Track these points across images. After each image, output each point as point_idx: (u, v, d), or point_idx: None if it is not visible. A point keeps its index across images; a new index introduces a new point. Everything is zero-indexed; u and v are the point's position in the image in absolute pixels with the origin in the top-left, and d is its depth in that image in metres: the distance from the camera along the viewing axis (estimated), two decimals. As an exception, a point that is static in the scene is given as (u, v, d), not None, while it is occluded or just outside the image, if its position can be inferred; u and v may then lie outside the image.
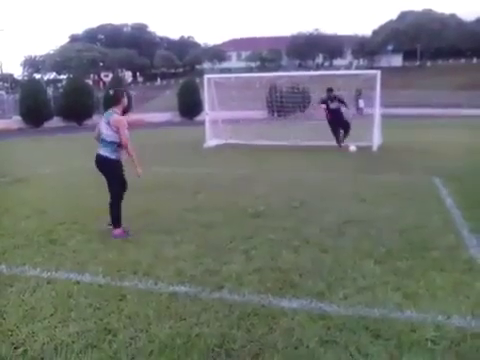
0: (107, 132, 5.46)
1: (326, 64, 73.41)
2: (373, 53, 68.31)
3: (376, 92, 14.29)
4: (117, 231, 5.58)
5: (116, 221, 5.61)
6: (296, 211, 6.68)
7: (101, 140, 5.55)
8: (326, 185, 8.60)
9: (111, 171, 5.61)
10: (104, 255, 4.89)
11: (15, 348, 3.13)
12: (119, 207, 5.66)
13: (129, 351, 3.08)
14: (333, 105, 13.94)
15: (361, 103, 31.37)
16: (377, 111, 14.35)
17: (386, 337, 3.18)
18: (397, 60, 69.63)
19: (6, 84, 67.75)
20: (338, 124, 14.10)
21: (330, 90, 14.42)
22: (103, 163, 5.58)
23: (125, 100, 5.64)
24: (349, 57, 72.03)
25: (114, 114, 5.48)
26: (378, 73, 14.06)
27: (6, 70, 77.76)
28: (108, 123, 5.45)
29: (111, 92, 5.82)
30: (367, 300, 3.75)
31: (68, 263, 4.68)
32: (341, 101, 14.15)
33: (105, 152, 5.53)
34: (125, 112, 5.71)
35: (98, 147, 5.60)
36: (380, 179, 9.04)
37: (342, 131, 14.18)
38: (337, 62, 70.89)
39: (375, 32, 69.69)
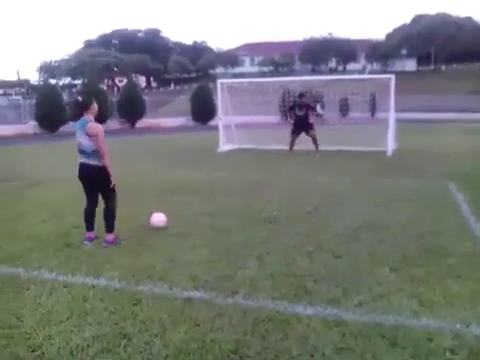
0: (88, 142, 5.24)
1: (339, 68, 73.13)
2: (387, 57, 67.85)
3: (390, 97, 14.19)
4: (110, 237, 5.49)
5: (111, 227, 5.51)
6: (310, 216, 6.65)
7: (83, 151, 5.32)
8: (340, 190, 8.55)
9: (102, 179, 5.36)
10: (119, 259, 4.93)
11: (32, 351, 3.18)
12: (115, 214, 5.59)
13: (144, 356, 3.09)
14: (300, 112, 13.81)
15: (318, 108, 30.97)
16: (392, 116, 14.24)
17: (402, 345, 3.15)
18: (411, 64, 69.12)
19: (23, 90, 68.73)
20: (302, 129, 13.95)
21: (301, 96, 14.43)
22: (92, 172, 5.36)
23: (95, 106, 5.41)
24: (362, 61, 71.63)
25: (90, 122, 5.25)
26: (392, 77, 13.96)
27: (23, 76, 78.71)
28: (86, 133, 5.21)
29: (79, 99, 5.56)
30: (382, 307, 3.72)
31: (84, 267, 4.72)
32: (310, 107, 14.05)
33: (92, 161, 5.30)
34: (98, 119, 5.45)
35: (80, 158, 5.39)
36: (395, 184, 8.96)
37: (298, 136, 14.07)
38: (350, 66, 70.53)
39: (389, 36, 69.27)
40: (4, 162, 14.71)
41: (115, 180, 5.47)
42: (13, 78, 75.16)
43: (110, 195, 5.50)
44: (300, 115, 13.69)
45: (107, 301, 3.91)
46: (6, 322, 3.58)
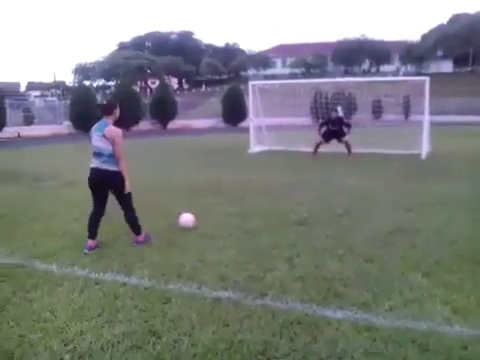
0: (104, 146, 5.14)
1: (373, 70, 72.15)
2: (422, 59, 66.50)
3: (425, 99, 13.90)
4: (139, 238, 5.53)
5: (138, 229, 5.53)
6: (340, 219, 6.58)
7: (98, 154, 5.21)
8: (371, 193, 8.42)
9: (118, 184, 5.27)
10: (150, 258, 4.99)
11: (65, 345, 3.25)
12: (136, 216, 5.55)
13: (172, 354, 3.12)
14: (334, 127, 13.62)
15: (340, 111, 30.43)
16: (426, 118, 13.95)
17: (434, 352, 3.08)
18: (447, 66, 67.55)
19: (58, 91, 70.55)
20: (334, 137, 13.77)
21: (334, 110, 14.32)
22: (107, 178, 5.25)
23: (117, 112, 5.35)
24: (396, 63, 70.47)
25: (109, 126, 5.18)
26: (427, 79, 13.69)
27: (59, 78, 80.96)
28: (103, 136, 5.12)
29: (104, 102, 5.47)
30: (414, 313, 3.65)
31: (115, 265, 4.80)
32: (345, 124, 13.81)
33: (107, 166, 5.19)
34: (117, 124, 5.30)
35: (93, 162, 5.28)
36: (428, 188, 8.76)
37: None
38: (384, 68, 69.54)
39: (424, 37, 67.88)
40: (40, 162, 15.14)
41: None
42: (49, 80, 77.36)
43: (126, 201, 5.43)
44: (334, 130, 13.58)
45: (137, 299, 3.96)
46: (41, 316, 3.68)
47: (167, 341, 3.27)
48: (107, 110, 5.27)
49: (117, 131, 5.18)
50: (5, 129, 27.33)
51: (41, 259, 5.01)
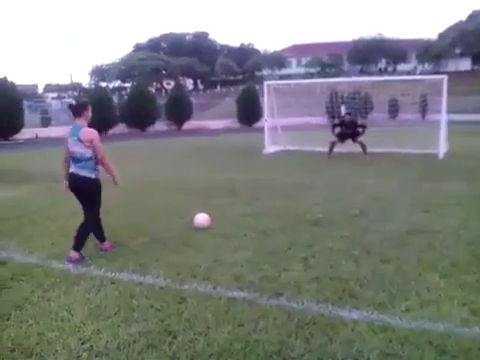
0: (80, 150, 4.89)
1: (389, 69, 71.46)
2: (439, 57, 65.56)
3: (442, 98, 13.73)
4: (75, 255, 4.99)
5: (79, 245, 5.04)
6: (356, 219, 6.54)
7: (75, 160, 4.96)
8: (387, 193, 8.35)
9: (93, 192, 5.09)
10: (165, 258, 5.02)
11: (82, 343, 3.29)
12: (89, 232, 5.21)
13: (188, 353, 3.13)
14: (348, 130, 13.51)
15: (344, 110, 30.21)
16: (443, 117, 13.78)
17: (452, 354, 3.04)
18: (466, 64, 66.49)
19: (75, 92, 71.33)
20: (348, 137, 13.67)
21: (349, 114, 14.19)
22: (82, 184, 5.02)
23: (89, 113, 5.05)
24: (413, 62, 69.68)
25: (83, 128, 4.92)
26: (444, 78, 13.52)
27: (75, 79, 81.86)
28: (79, 140, 4.86)
29: (73, 103, 5.14)
30: (431, 314, 3.61)
31: (131, 264, 4.84)
32: (360, 126, 13.68)
33: (84, 172, 4.96)
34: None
35: (72, 167, 5.04)
36: (445, 188, 8.66)
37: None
38: (401, 67, 68.73)
39: (441, 35, 66.93)
40: (57, 163, 15.28)
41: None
42: (66, 82, 78.30)
43: (90, 210, 5.15)
44: (348, 132, 13.48)
45: (153, 298, 3.99)
46: (58, 315, 3.73)
47: (183, 341, 3.28)
48: (77, 111, 4.99)
49: (92, 132, 4.93)
50: (23, 130, 27.72)
51: (58, 259, 5.07)
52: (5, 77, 27.07)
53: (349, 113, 14.30)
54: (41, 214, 7.38)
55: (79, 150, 4.89)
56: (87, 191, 5.08)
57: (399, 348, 3.12)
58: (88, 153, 4.90)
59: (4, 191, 9.41)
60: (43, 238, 5.97)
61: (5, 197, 8.83)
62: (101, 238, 5.41)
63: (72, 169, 5.03)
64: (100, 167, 5.07)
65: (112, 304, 3.91)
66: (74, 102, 5.14)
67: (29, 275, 4.61)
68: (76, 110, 4.99)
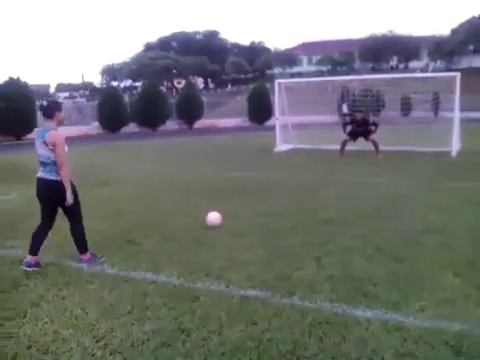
0: (47, 153, 4.62)
1: (401, 67, 70.84)
2: (452, 54, 64.82)
3: (455, 95, 13.59)
4: (85, 257, 4.94)
5: (84, 246, 4.95)
6: (369, 218, 6.50)
7: (42, 163, 4.69)
8: (401, 192, 8.29)
9: (61, 196, 4.68)
10: (178, 256, 5.04)
11: (96, 341, 3.32)
12: (84, 233, 4.99)
13: (201, 351, 3.14)
14: (360, 129, 13.40)
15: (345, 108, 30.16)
16: (456, 115, 13.64)
17: (469, 355, 3.00)
18: (479, 60, 65.71)
19: (86, 92, 71.81)
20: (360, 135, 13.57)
21: (361, 111, 14.09)
22: (48, 188, 4.72)
23: (61, 114, 4.76)
24: (425, 59, 68.99)
25: (50, 130, 4.63)
26: (457, 75, 13.37)
27: (87, 79, 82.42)
28: (44, 143, 4.60)
29: (44, 104, 4.76)
30: (446, 313, 3.57)
31: (144, 263, 4.86)
32: (371, 123, 13.56)
33: (49, 175, 4.67)
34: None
35: (39, 171, 4.76)
36: (460, 186, 8.56)
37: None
38: (412, 65, 68.07)
39: (454, 31, 66.17)
40: (69, 162, 15.41)
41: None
42: (78, 81, 78.85)
43: (73, 213, 4.87)
44: (360, 131, 13.39)
45: (166, 297, 4.00)
46: (73, 313, 3.76)
47: (196, 339, 3.29)
48: (48, 113, 4.68)
49: (58, 135, 4.64)
50: (36, 130, 27.99)
51: (72, 257, 5.11)
52: (18, 77, 27.33)
53: (361, 111, 14.20)
54: (55, 213, 7.43)
55: (45, 153, 4.63)
56: (57, 196, 4.69)
57: (414, 348, 3.10)
58: (53, 156, 4.61)
59: (17, 190, 9.50)
60: (56, 237, 5.98)
61: (18, 196, 8.91)
62: (34, 251, 4.84)
63: (39, 173, 4.73)
64: (69, 171, 4.73)
65: (126, 302, 3.93)
66: (45, 103, 4.74)
67: (43, 273, 4.65)
68: (47, 111, 4.68)
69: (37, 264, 4.79)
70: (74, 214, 4.89)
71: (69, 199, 4.67)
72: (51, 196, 4.75)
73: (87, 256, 4.95)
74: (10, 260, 5.06)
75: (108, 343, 3.29)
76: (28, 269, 4.71)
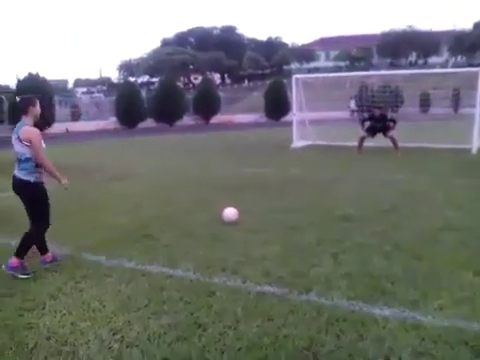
0: (21, 149, 4.47)
1: (420, 62, 69.87)
2: (474, 49, 63.59)
3: (477, 91, 13.35)
4: (14, 261, 4.53)
5: (22, 252, 4.59)
6: (387, 215, 6.43)
7: (17, 160, 4.55)
8: (419, 189, 8.18)
9: (30, 197, 4.57)
10: (195, 251, 5.05)
11: (113, 334, 3.34)
12: (35, 240, 4.73)
13: (218, 346, 3.14)
14: (378, 124, 13.21)
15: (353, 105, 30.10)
16: (478, 111, 13.40)
17: (489, 355, 2.95)
18: (502, 56, 64.31)
19: (104, 87, 72.37)
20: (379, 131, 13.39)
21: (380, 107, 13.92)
22: (19, 187, 4.56)
23: (36, 109, 4.59)
24: (445, 54, 67.89)
25: (25, 126, 4.49)
26: (479, 71, 13.14)
27: (104, 74, 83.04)
28: (18, 138, 4.45)
29: (18, 100, 4.65)
30: (465, 313, 3.52)
31: (161, 257, 4.89)
32: (390, 120, 13.37)
33: (20, 174, 4.52)
34: (37, 124, 4.52)
35: (15, 168, 4.60)
36: (479, 183, 8.43)
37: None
38: (432, 60, 67.07)
39: (477, 25, 64.86)
40: (87, 156, 15.61)
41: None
42: (96, 76, 79.54)
43: (34, 216, 4.63)
44: (378, 126, 13.23)
45: (183, 291, 4.02)
46: (90, 306, 3.80)
47: (212, 333, 3.30)
48: (23, 108, 4.54)
49: (32, 131, 4.49)
50: (54, 125, 28.33)
51: (90, 251, 5.17)
52: (37, 73, 27.69)
53: (379, 107, 14.06)
54: (72, 206, 7.53)
55: (19, 149, 4.49)
56: (26, 196, 4.57)
57: (432, 347, 3.05)
58: (27, 153, 4.46)
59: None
60: (74, 230, 6.08)
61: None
62: (42, 250, 4.85)
63: (14, 171, 4.59)
64: (43, 170, 4.59)
65: (142, 296, 3.96)
66: (18, 99, 4.63)
67: (62, 266, 4.71)
68: (22, 107, 4.55)
69: (53, 259, 4.84)
70: (33, 216, 4.62)
71: (64, 183, 4.75)
72: (23, 196, 4.58)
73: (16, 262, 4.53)
74: (29, 253, 5.11)
75: (125, 336, 3.31)
76: (45, 264, 4.77)
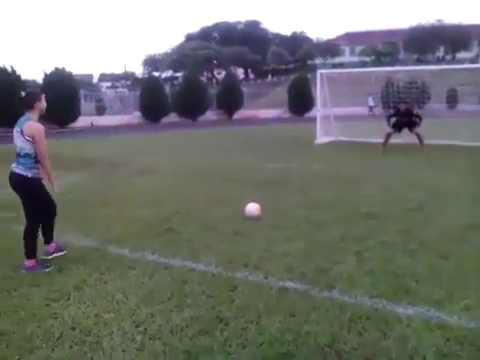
0: (21, 144, 4.38)
1: (448, 58, 68.38)
2: (507, 43, 61.75)
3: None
4: (30, 262, 4.52)
5: (31, 252, 4.54)
6: (412, 213, 6.33)
7: (16, 154, 4.46)
8: (445, 186, 8.03)
9: (27, 192, 4.49)
10: (217, 246, 5.07)
11: (136, 326, 3.38)
12: (35, 237, 4.60)
13: (239, 341, 3.15)
14: (404, 119, 12.93)
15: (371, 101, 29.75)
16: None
17: (518, 358, 2.88)
18: None
19: (128, 82, 73.06)
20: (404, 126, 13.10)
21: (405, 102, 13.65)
22: (17, 182, 4.48)
23: (42, 104, 4.51)
24: (476, 49, 66.18)
25: (29, 121, 4.40)
26: (510, 66, 12.81)
27: (129, 69, 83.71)
28: (21, 132, 4.36)
29: (23, 94, 4.49)
30: (493, 314, 3.43)
31: (183, 251, 4.92)
32: (415, 115, 13.07)
33: (18, 169, 4.43)
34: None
35: (13, 162, 4.52)
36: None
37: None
38: (461, 55, 65.54)
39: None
40: (112, 150, 15.80)
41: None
42: (120, 71, 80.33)
43: (30, 211, 4.56)
44: (404, 121, 12.99)
45: (205, 285, 4.03)
46: (114, 298, 3.85)
47: (234, 328, 3.30)
48: (27, 103, 4.46)
49: (37, 127, 4.40)
50: (79, 119, 28.78)
51: (114, 243, 5.23)
52: (63, 67, 28.13)
53: (405, 102, 13.83)
54: (97, 199, 7.65)
55: (19, 143, 4.40)
56: (23, 191, 4.51)
57: (458, 348, 2.99)
58: (27, 148, 4.37)
59: (62, 177, 9.79)
60: (99, 223, 6.17)
61: (63, 182, 9.18)
62: (48, 239, 4.85)
63: (12, 165, 4.51)
64: (39, 166, 4.51)
65: (165, 289, 3.98)
66: (23, 93, 4.48)
67: (87, 258, 4.77)
68: (27, 102, 4.46)
69: (57, 248, 4.87)
70: (29, 212, 4.56)
71: (56, 188, 4.57)
72: (19, 190, 4.53)
73: (31, 263, 4.53)
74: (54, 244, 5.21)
75: (148, 328, 3.34)
76: (50, 257, 4.78)
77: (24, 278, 4.30)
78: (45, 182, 4.64)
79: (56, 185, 4.59)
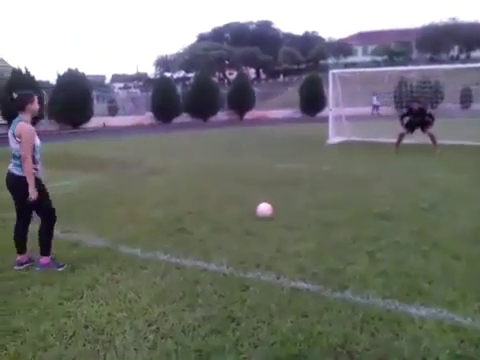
0: (14, 145, 4.38)
1: (462, 57, 67.56)
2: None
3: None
4: (45, 259, 4.59)
5: (46, 249, 4.60)
6: (425, 213, 6.28)
7: (13, 156, 4.46)
8: (459, 187, 7.95)
9: (21, 193, 4.40)
10: (228, 246, 5.07)
11: (149, 325, 3.39)
12: (50, 235, 4.65)
13: (251, 340, 3.15)
14: (417, 119, 12.78)
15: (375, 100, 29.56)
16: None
17: None
18: None
19: (140, 83, 73.40)
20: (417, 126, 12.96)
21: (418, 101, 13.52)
22: (12, 183, 4.47)
23: (34, 106, 4.45)
24: (491, 48, 65.17)
25: (20, 122, 4.37)
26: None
27: (141, 70, 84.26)
28: (13, 134, 4.35)
29: (15, 96, 4.46)
30: (508, 316, 3.39)
31: (195, 251, 4.93)
32: (428, 115, 12.92)
33: (14, 169, 4.43)
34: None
35: (9, 164, 4.51)
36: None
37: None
38: (475, 54, 64.67)
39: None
40: (124, 150, 15.89)
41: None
42: (132, 72, 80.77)
43: (42, 210, 4.58)
44: (417, 121, 12.87)
45: (217, 285, 4.04)
46: (126, 297, 3.87)
47: (246, 328, 3.30)
48: (19, 105, 4.42)
49: (26, 127, 4.35)
50: (92, 119, 28.99)
51: (126, 243, 5.26)
52: (76, 68, 28.36)
53: (418, 101, 13.71)
54: (109, 199, 7.70)
55: (13, 145, 4.40)
56: (17, 190, 4.46)
57: (472, 351, 2.96)
58: (20, 149, 4.36)
59: (75, 176, 9.88)
60: (111, 222, 6.21)
61: (76, 182, 9.27)
62: (21, 249, 4.69)
63: (8, 167, 4.51)
64: (39, 167, 4.50)
65: (177, 289, 4.00)
66: (15, 95, 4.45)
67: (99, 258, 4.80)
68: (19, 104, 4.43)
69: (28, 260, 4.68)
70: (41, 211, 4.58)
71: (32, 195, 4.35)
72: (16, 191, 4.49)
73: (46, 260, 4.59)
74: (67, 243, 5.27)
75: (160, 327, 3.36)
76: (20, 267, 4.60)
77: (37, 277, 4.35)
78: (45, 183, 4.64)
79: (32, 192, 4.34)
